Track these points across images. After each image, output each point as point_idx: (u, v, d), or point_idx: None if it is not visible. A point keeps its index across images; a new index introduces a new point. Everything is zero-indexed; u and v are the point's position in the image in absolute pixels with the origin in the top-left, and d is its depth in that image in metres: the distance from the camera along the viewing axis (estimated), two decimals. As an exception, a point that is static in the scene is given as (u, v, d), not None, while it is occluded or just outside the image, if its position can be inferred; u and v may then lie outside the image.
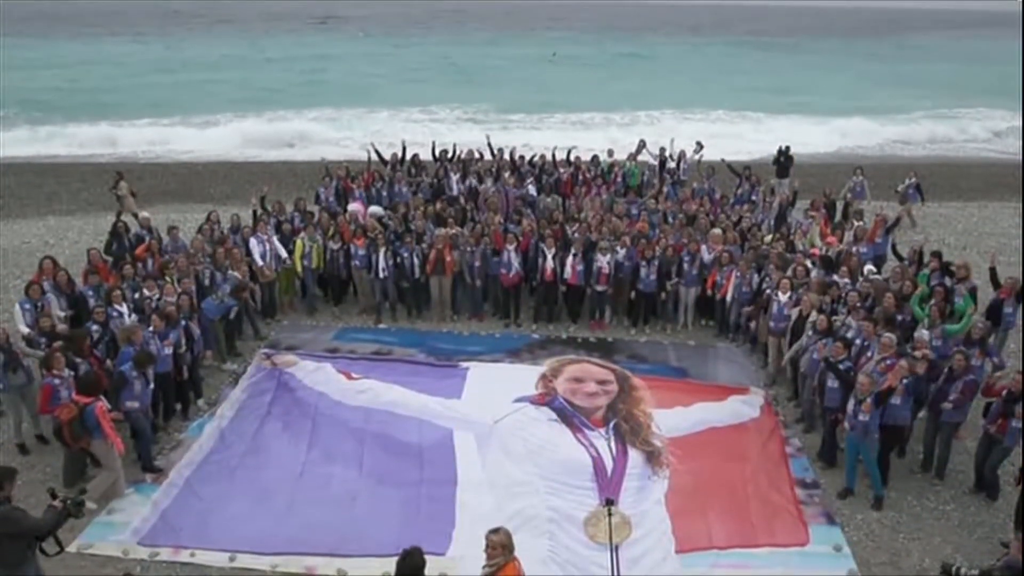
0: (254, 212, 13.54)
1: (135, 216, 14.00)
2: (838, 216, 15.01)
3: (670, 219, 13.70)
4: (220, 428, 9.53)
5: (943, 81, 48.85)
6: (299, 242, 12.65)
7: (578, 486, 8.35)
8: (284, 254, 12.58)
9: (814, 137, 30.63)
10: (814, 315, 9.77)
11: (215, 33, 78.10)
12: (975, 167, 27.02)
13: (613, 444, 9.13)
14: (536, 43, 68.57)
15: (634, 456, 8.94)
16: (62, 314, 10.12)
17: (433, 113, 36.54)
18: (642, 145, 17.25)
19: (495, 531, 5.43)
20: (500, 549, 5.34)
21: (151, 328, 9.34)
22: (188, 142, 30.08)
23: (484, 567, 5.40)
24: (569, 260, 12.15)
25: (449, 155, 16.57)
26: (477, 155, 16.69)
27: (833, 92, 42.85)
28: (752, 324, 11.38)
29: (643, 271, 12.02)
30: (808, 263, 11.55)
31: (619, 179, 16.29)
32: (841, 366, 8.71)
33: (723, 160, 17.41)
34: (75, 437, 7.91)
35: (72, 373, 8.42)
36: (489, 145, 16.69)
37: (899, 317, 9.83)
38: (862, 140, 31.69)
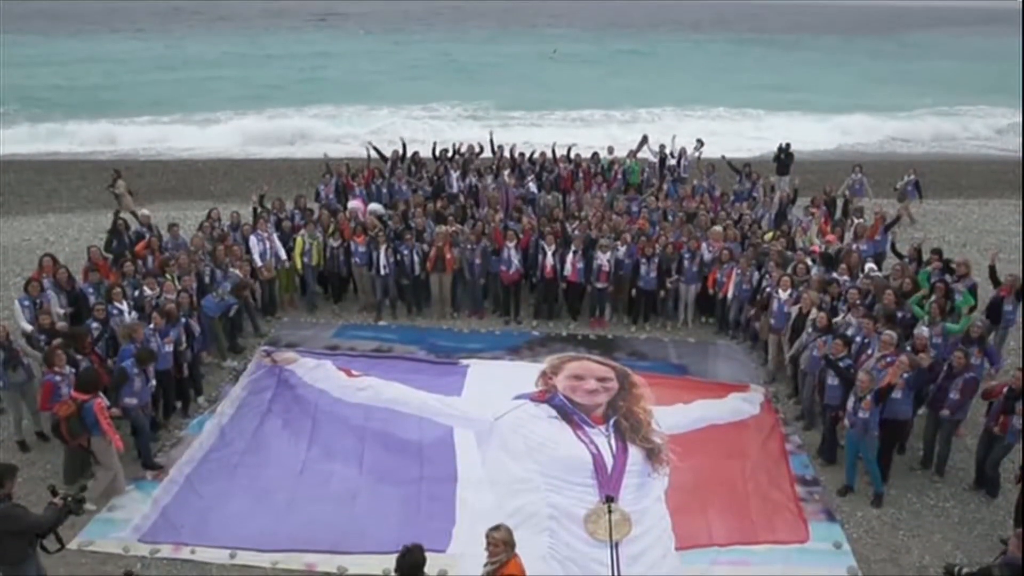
0: (254, 210, 13.53)
1: (133, 214, 13.99)
2: (838, 214, 15.00)
3: (670, 217, 13.69)
4: (220, 425, 9.54)
5: (945, 78, 48.82)
6: (299, 239, 12.65)
7: (578, 483, 8.36)
8: (283, 255, 12.60)
9: (815, 134, 30.62)
10: (814, 312, 9.77)
11: (215, 30, 78.07)
12: (976, 164, 27.00)
13: (613, 441, 9.13)
14: (536, 40, 68.60)
15: (634, 453, 8.95)
16: (61, 311, 10.12)
17: (434, 110, 36.53)
18: (644, 140, 17.25)
19: (496, 528, 5.44)
20: (502, 546, 5.34)
21: (152, 326, 9.35)
22: (188, 139, 30.09)
23: (486, 564, 5.40)
24: (569, 257, 12.14)
25: (450, 154, 16.56)
26: (477, 149, 16.69)
27: (834, 89, 42.83)
28: (757, 324, 11.34)
29: (643, 269, 12.01)
30: (808, 261, 11.54)
31: (619, 176, 16.28)
32: (841, 364, 8.71)
33: (723, 157, 17.40)
34: (72, 434, 7.91)
35: (73, 370, 8.43)
36: (491, 141, 16.69)
37: (899, 314, 9.83)
38: (863, 137, 31.67)
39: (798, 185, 15.88)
